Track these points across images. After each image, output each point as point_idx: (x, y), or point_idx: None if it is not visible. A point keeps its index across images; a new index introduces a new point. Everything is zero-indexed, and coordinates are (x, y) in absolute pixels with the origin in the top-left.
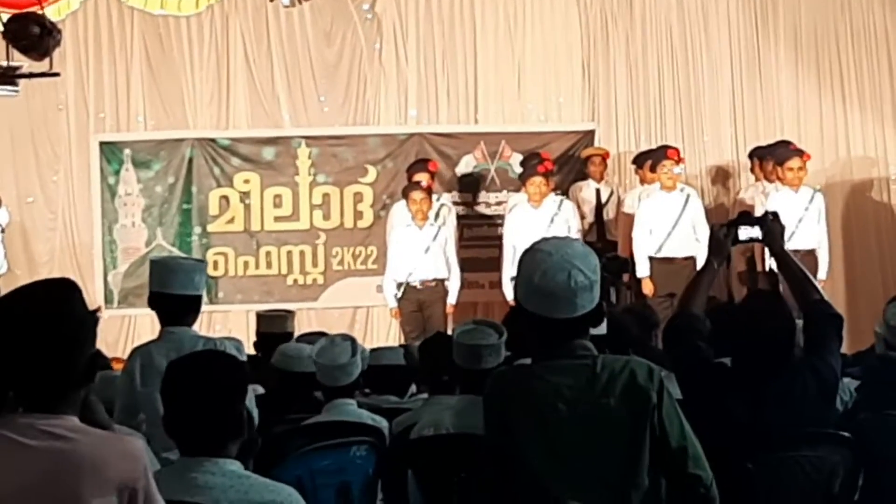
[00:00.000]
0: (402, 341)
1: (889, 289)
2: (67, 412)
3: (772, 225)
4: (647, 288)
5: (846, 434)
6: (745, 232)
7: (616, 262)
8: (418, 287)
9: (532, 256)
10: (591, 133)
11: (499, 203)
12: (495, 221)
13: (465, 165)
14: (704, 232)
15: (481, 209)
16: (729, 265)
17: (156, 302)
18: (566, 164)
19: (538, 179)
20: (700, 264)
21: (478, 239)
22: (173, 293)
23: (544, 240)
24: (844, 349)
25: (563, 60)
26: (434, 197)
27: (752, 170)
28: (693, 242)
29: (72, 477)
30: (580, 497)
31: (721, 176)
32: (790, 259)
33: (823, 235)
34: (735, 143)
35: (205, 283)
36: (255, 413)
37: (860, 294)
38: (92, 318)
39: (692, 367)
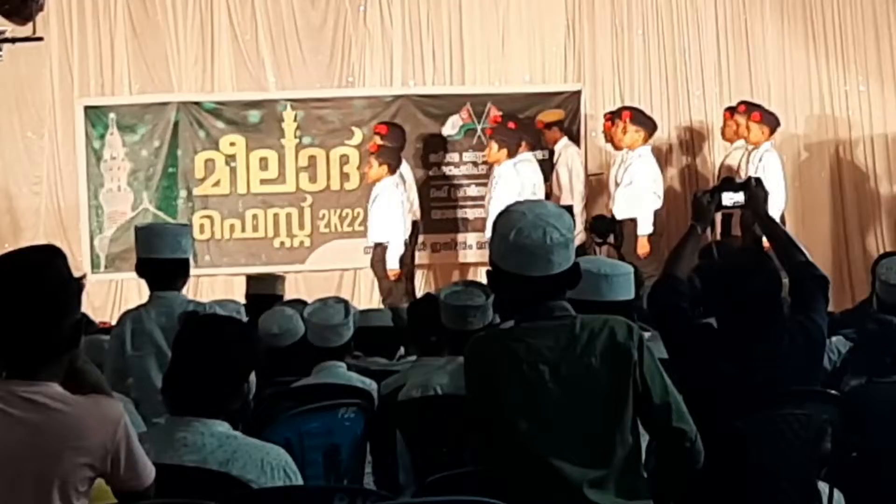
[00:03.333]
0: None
1: (874, 247)
2: (50, 379)
3: (755, 190)
4: (643, 248)
5: (834, 392)
6: (729, 197)
7: (602, 223)
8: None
9: (507, 217)
10: (578, 94)
11: (485, 162)
12: (482, 182)
13: (452, 126)
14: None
15: (468, 169)
16: (713, 231)
17: (144, 268)
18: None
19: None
20: (641, 226)
21: (465, 199)
22: (160, 257)
23: (518, 202)
24: (831, 308)
25: (547, 21)
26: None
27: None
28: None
29: (52, 444)
30: (565, 457)
31: (706, 136)
32: (775, 223)
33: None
34: (721, 103)
35: (191, 246)
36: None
37: (847, 253)
38: (76, 284)
39: (677, 329)
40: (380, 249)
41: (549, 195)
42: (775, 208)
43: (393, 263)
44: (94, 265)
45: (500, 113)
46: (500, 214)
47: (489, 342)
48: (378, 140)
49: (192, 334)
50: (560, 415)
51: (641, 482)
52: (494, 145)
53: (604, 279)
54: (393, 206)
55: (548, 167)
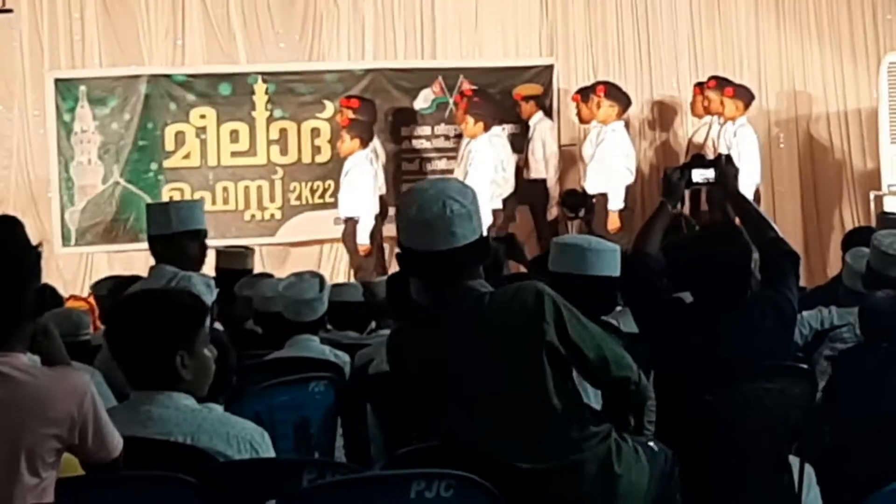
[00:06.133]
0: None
1: (845, 222)
2: (15, 349)
3: (726, 167)
4: (614, 223)
5: (805, 366)
6: (699, 174)
7: (573, 197)
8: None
9: (409, 195)
10: (551, 68)
11: (457, 136)
12: (453, 156)
13: (424, 100)
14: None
15: (440, 143)
16: (682, 207)
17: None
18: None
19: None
20: (612, 202)
21: (436, 173)
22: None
23: (423, 180)
24: (802, 284)
25: None
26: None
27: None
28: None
29: (19, 416)
30: (492, 437)
31: (678, 111)
32: (745, 200)
33: None
34: (693, 78)
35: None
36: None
37: (817, 229)
38: (34, 252)
39: (648, 303)
40: (351, 224)
41: (522, 169)
42: (750, 183)
43: (363, 239)
44: (65, 238)
45: (473, 87)
46: (404, 194)
47: (404, 335)
48: (350, 114)
49: (114, 315)
50: (480, 395)
51: (575, 437)
52: (470, 119)
53: (592, 253)
54: (365, 181)
55: (522, 141)
